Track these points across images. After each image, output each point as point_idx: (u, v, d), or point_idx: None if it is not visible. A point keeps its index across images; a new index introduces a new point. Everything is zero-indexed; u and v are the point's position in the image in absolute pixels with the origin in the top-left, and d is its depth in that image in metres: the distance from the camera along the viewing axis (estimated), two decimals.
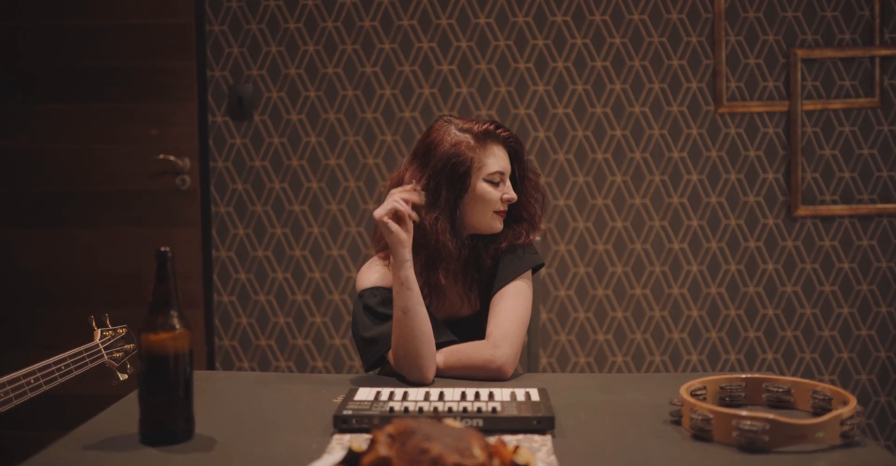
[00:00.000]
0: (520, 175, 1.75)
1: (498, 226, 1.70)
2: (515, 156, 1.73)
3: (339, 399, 1.40)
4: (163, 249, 1.23)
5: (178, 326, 1.23)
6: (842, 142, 3.04)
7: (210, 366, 3.09)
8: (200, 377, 1.60)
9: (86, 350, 1.63)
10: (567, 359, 3.09)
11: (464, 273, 1.71)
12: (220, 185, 3.09)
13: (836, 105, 3.01)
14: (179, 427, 1.23)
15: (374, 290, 1.67)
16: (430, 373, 1.57)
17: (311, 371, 3.09)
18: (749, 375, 1.41)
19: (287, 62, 3.07)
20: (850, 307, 3.06)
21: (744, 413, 1.19)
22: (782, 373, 3.05)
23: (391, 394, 1.37)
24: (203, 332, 3.05)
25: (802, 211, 3.03)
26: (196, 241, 3.04)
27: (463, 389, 1.41)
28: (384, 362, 1.65)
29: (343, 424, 1.25)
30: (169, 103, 3.00)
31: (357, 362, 3.09)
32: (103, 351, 1.66)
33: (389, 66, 3.06)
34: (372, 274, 1.70)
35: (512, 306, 1.65)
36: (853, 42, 3.01)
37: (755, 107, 3.02)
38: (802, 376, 3.02)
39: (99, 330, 1.69)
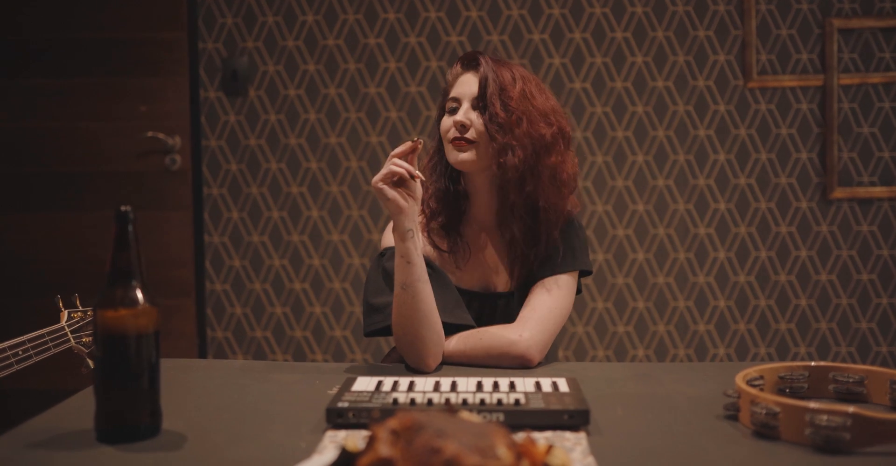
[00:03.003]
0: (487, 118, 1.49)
1: (453, 156, 1.51)
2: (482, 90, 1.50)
3: (335, 391, 1.27)
4: (123, 209, 1.08)
5: (141, 301, 1.07)
6: (881, 118, 2.92)
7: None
8: (176, 365, 1.47)
9: (49, 333, 1.48)
10: (585, 352, 2.95)
11: (509, 245, 1.57)
12: (213, 165, 3.00)
13: (876, 79, 2.90)
14: (143, 423, 1.08)
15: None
16: (432, 360, 1.43)
17: None
18: (815, 363, 1.24)
19: (284, 33, 2.97)
20: (889, 297, 2.95)
21: (815, 405, 1.03)
22: None
23: (395, 384, 1.24)
24: (194, 323, 2.98)
25: (838, 193, 2.92)
26: (187, 225, 2.96)
27: (479, 378, 1.26)
28: (389, 334, 1.51)
29: (338, 418, 1.11)
30: (158, 77, 2.94)
31: (360, 356, 2.98)
32: (70, 335, 1.51)
33: (394, 37, 2.94)
34: None
35: (557, 296, 1.52)
36: (894, 11, 2.91)
37: (788, 81, 2.91)
38: None
39: (66, 312, 1.55)
